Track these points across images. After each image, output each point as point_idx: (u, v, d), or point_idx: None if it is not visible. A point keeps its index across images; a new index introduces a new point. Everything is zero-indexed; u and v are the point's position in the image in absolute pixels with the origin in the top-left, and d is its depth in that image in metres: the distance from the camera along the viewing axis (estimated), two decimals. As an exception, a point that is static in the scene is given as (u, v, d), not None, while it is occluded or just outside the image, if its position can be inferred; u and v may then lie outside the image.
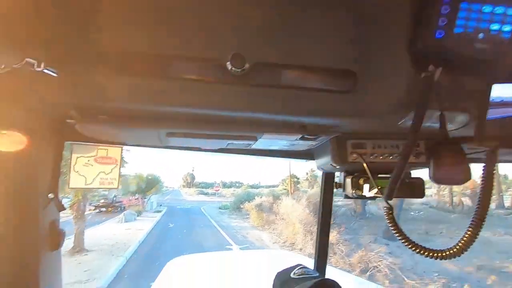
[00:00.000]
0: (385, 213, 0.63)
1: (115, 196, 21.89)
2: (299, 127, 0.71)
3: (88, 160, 0.80)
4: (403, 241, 0.62)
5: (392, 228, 0.62)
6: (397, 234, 0.62)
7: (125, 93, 0.54)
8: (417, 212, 16.51)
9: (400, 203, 12.14)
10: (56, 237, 0.74)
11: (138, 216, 18.91)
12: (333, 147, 0.84)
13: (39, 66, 0.47)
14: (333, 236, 9.66)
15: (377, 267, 7.35)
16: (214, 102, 0.59)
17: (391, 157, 0.82)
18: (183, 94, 0.56)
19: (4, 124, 0.60)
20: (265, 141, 0.82)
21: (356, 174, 0.90)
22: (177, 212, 25.24)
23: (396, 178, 0.59)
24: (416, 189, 0.88)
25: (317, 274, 1.04)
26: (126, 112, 0.61)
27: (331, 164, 0.87)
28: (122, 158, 0.84)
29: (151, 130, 0.69)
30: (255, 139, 0.78)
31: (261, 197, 19.96)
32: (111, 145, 0.82)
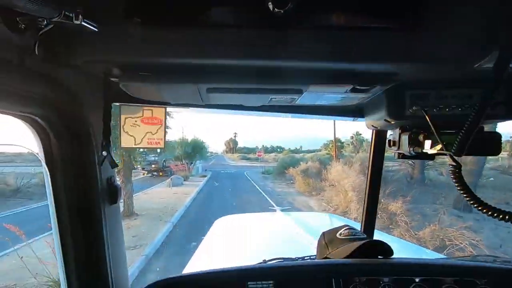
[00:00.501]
0: (451, 171, 0.60)
1: (165, 161, 22.89)
2: (350, 76, 0.66)
3: (136, 121, 0.83)
4: (477, 205, 0.57)
5: (461, 189, 0.59)
6: (467, 197, 0.58)
7: (163, 46, 0.54)
8: (485, 178, 14.09)
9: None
10: (114, 191, 0.80)
11: (184, 180, 19.47)
12: (388, 99, 0.77)
13: (77, 18, 0.47)
14: (394, 206, 8.50)
15: (458, 245, 6.10)
16: (255, 50, 0.56)
17: (460, 109, 0.72)
18: (222, 44, 0.55)
19: (55, 87, 0.62)
20: (310, 96, 0.78)
21: (415, 130, 0.79)
22: (221, 176, 25.70)
23: (469, 131, 0.56)
24: (491, 144, 0.75)
25: (365, 236, 1.07)
26: (165, 67, 0.61)
27: (385, 120, 0.81)
28: (166, 119, 0.85)
29: (191, 85, 0.68)
30: (300, 92, 0.73)
31: (306, 163, 18.91)
32: (155, 105, 0.84)
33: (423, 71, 0.67)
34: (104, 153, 0.73)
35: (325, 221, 2.97)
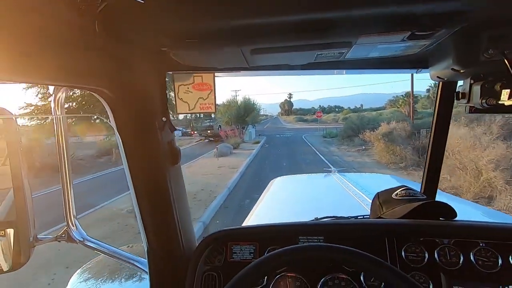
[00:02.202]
0: None
1: (220, 126, 22.64)
2: (408, 20, 0.57)
3: (188, 88, 0.85)
4: None
5: None
6: None
7: (206, 10, 0.54)
8: None
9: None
10: (175, 153, 0.84)
11: (234, 148, 17.02)
12: (457, 43, 0.67)
13: None
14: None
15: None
16: (298, 3, 0.53)
17: None
18: (264, 1, 0.53)
19: (117, 62, 0.65)
20: (361, 49, 0.69)
21: (490, 78, 0.71)
22: (276, 142, 22.68)
23: None
24: None
25: (424, 197, 1.01)
26: (210, 31, 0.61)
27: (452, 69, 0.72)
28: (215, 83, 0.87)
29: (235, 48, 0.66)
30: (349, 45, 0.66)
31: (388, 123, 14.29)
32: (204, 71, 0.85)
33: (504, 5, 0.55)
34: (164, 118, 0.79)
35: (384, 182, 2.61)
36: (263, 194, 2.46)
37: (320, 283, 0.81)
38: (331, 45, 0.65)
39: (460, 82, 0.85)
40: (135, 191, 0.79)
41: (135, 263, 0.90)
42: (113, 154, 12.56)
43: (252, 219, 1.85)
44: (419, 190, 1.14)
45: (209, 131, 21.56)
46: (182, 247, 0.88)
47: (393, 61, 0.88)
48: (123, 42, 0.63)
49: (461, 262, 0.82)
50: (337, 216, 1.13)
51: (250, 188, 8.18)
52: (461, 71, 0.71)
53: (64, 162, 0.81)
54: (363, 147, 16.47)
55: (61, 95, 0.78)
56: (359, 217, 1.17)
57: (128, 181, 0.78)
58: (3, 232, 0.65)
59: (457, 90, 0.83)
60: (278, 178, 2.86)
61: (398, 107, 31.91)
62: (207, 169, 11.04)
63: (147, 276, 0.86)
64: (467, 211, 1.86)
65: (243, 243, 0.90)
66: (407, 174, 9.62)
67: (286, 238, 0.87)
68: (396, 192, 1.02)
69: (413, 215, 0.91)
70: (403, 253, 0.84)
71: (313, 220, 1.12)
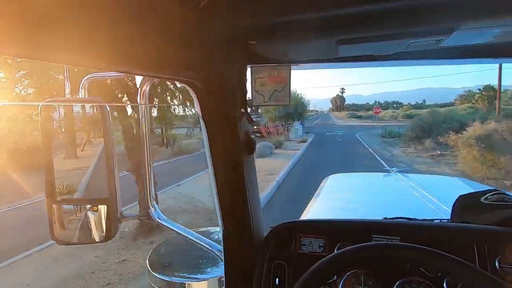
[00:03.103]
0: None
1: (265, 123, 22.21)
2: None
3: (264, 80, 0.86)
4: None
5: None
6: None
7: (293, 2, 0.55)
8: None
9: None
10: (250, 144, 0.86)
11: (277, 148, 15.06)
12: None
13: None
14: None
15: None
16: None
17: None
18: None
19: (206, 54, 0.67)
20: (463, 35, 0.60)
21: None
22: (326, 140, 20.07)
23: None
24: None
25: None
26: (297, 23, 0.60)
27: None
28: (290, 76, 0.86)
29: (322, 39, 0.67)
30: (450, 31, 0.58)
31: (483, 122, 10.53)
32: (281, 64, 0.85)
33: None
34: (242, 110, 0.80)
35: (452, 185, 2.48)
36: (317, 190, 2.29)
37: (395, 285, 0.76)
38: (428, 32, 0.59)
39: None
40: (215, 176, 0.82)
41: (206, 245, 0.93)
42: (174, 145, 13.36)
43: (310, 215, 1.77)
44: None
45: (255, 127, 20.75)
46: (253, 233, 0.89)
47: (501, 48, 0.74)
48: (216, 36, 0.65)
49: None
50: (409, 218, 1.00)
51: (286, 206, 6.08)
52: None
53: (146, 148, 0.86)
54: (438, 151, 13.07)
55: (146, 87, 0.82)
56: (435, 220, 0.99)
57: (209, 166, 0.82)
58: (96, 208, 0.74)
59: None
60: (333, 175, 2.67)
61: (474, 103, 28.51)
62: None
63: (216, 259, 0.91)
64: None
65: (313, 236, 0.89)
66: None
67: (358, 235, 0.85)
68: (486, 196, 0.90)
69: (510, 223, 0.80)
70: (496, 263, 0.75)
71: (385, 219, 1.02)
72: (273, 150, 13.53)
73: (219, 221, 0.86)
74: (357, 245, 0.63)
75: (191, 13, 0.53)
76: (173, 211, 6.25)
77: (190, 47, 0.60)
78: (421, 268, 0.75)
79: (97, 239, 0.73)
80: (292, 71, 0.84)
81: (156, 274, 0.94)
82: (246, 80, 0.82)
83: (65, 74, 0.78)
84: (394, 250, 0.63)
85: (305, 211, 1.84)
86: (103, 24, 0.39)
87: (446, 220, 0.99)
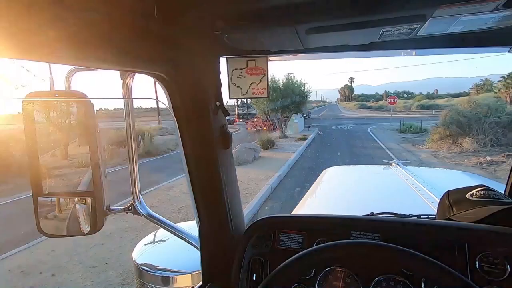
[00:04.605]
0: None
1: (255, 116, 21.81)
2: None
3: (241, 72, 0.86)
4: None
5: None
6: None
7: None
8: None
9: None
10: (226, 138, 0.85)
11: (267, 149, 11.61)
12: None
13: None
14: None
15: None
16: None
17: None
18: None
19: (174, 46, 0.67)
20: (438, 23, 0.59)
21: None
22: (331, 137, 16.47)
23: None
24: None
25: (509, 200, 0.86)
26: (262, 11, 0.60)
27: None
28: (268, 68, 0.86)
29: (289, 28, 0.64)
30: (423, 19, 0.57)
31: None
32: (257, 55, 0.84)
33: None
34: (217, 103, 0.80)
35: (456, 179, 2.42)
36: (314, 184, 2.28)
37: (373, 282, 0.78)
38: (401, 19, 0.58)
39: None
40: (188, 171, 0.81)
41: (190, 240, 0.93)
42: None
43: (302, 209, 1.78)
44: (503, 192, 1.01)
45: (255, 119, 19.54)
46: (231, 229, 0.89)
47: (480, 37, 0.74)
48: (179, 26, 0.64)
49: None
50: (395, 213, 1.05)
51: None
52: None
53: (131, 142, 0.85)
54: (487, 157, 9.39)
55: (129, 80, 0.79)
56: (422, 217, 1.05)
57: (183, 161, 0.81)
58: (84, 200, 0.75)
59: None
60: (331, 168, 2.65)
61: (496, 92, 26.63)
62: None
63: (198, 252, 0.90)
64: None
65: (292, 232, 0.89)
66: None
67: (337, 231, 0.85)
68: (472, 192, 0.88)
69: (493, 220, 0.78)
70: (476, 263, 0.75)
71: (368, 215, 1.06)
72: (257, 155, 10.06)
73: (195, 217, 0.87)
74: (319, 246, 0.64)
75: (149, 2, 0.52)
76: None
77: (153, 39, 0.59)
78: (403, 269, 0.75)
79: (85, 231, 0.75)
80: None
81: (141, 267, 1.02)
82: (220, 72, 0.81)
83: (49, 69, 0.78)
84: (356, 247, 0.63)
85: (298, 205, 1.82)
86: (65, 17, 0.39)
87: (434, 217, 1.00)
